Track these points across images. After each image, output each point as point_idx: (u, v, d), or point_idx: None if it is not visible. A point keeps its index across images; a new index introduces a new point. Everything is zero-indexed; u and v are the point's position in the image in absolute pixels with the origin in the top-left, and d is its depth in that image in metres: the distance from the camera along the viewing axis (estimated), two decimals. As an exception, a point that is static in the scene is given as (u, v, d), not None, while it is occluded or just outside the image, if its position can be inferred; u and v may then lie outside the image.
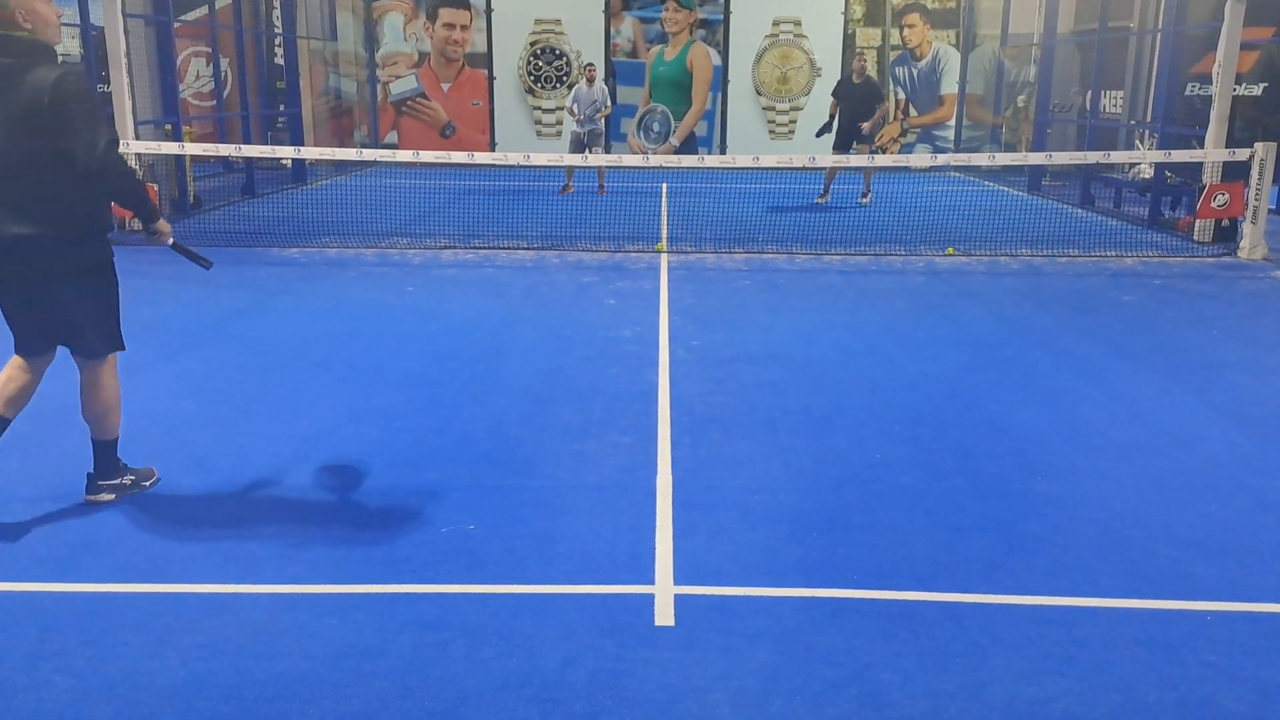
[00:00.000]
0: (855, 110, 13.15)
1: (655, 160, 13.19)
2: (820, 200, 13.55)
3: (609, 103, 14.23)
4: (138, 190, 3.91)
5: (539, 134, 19.00)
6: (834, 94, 13.65)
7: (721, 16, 18.59)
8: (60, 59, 3.87)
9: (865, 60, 13.68)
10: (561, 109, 18.76)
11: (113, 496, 4.21)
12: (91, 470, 4.21)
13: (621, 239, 10.66)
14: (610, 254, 10.09)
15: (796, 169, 16.00)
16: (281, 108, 16.24)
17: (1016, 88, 18.42)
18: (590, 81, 14.03)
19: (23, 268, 3.82)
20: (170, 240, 4.21)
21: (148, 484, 4.33)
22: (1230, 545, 3.92)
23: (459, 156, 11.07)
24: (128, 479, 4.28)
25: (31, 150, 3.70)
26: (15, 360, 4.06)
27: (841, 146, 13.30)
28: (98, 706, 2.87)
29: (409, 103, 19.02)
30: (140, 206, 3.98)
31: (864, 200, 13.63)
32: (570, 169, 14.52)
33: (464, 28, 18.68)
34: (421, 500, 4.25)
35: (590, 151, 13.95)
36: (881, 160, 13.44)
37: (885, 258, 10.07)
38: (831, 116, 13.51)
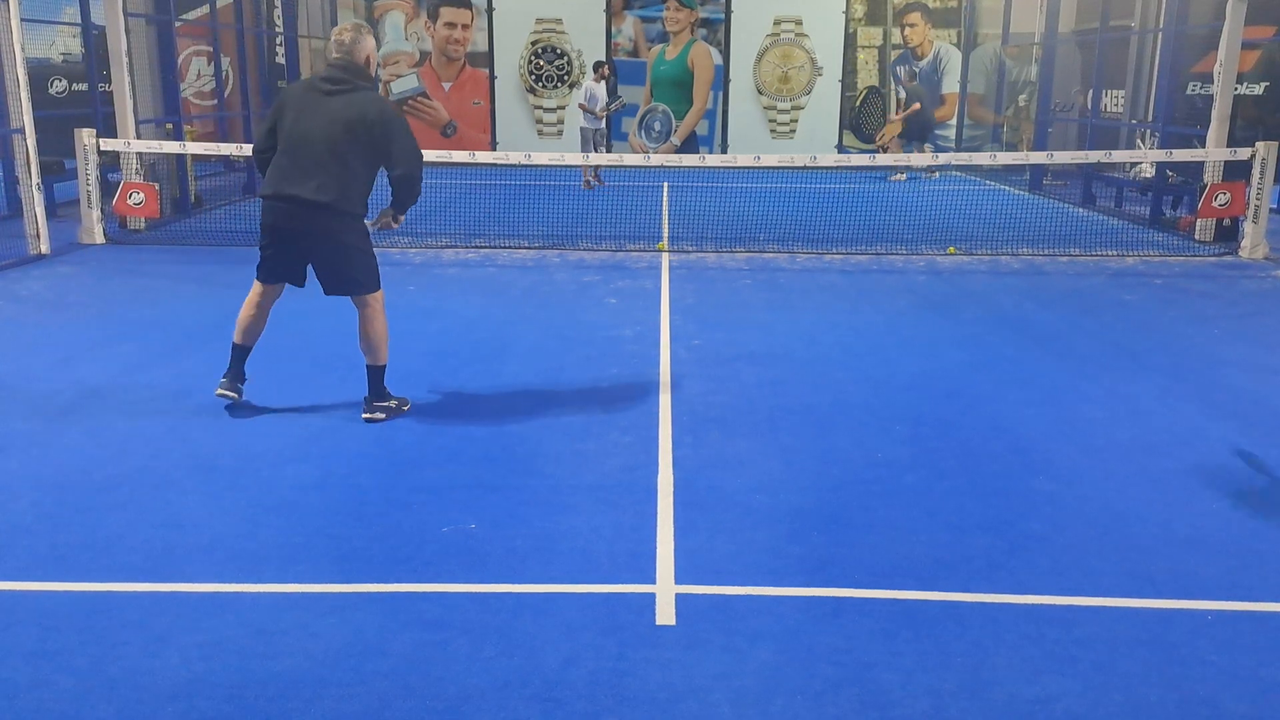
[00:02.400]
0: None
1: (656, 159, 13.18)
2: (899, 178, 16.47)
3: (622, 98, 15.71)
4: (419, 191, 5.11)
5: (540, 133, 18.99)
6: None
7: (723, 16, 18.57)
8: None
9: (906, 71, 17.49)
10: (563, 108, 18.79)
11: (384, 416, 5.19)
12: (366, 394, 5.21)
13: (623, 238, 10.66)
14: (611, 253, 10.09)
15: (798, 168, 16.02)
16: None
17: (1018, 87, 18.40)
18: (603, 79, 14.85)
19: (313, 225, 4.94)
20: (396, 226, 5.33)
21: (406, 408, 5.31)
22: (1231, 544, 3.92)
23: (460, 156, 11.06)
24: (393, 402, 5.26)
25: (343, 148, 4.87)
26: (255, 288, 5.23)
27: (906, 137, 16.70)
28: (99, 706, 2.87)
29: (410, 102, 19.00)
30: (412, 201, 5.14)
31: (933, 175, 16.74)
32: (596, 167, 15.08)
33: (465, 27, 18.67)
34: (422, 500, 4.25)
35: (597, 147, 14.88)
36: (883, 159, 13.51)
37: (886, 257, 10.07)
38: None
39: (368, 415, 5.18)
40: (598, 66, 15.13)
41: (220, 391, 5.23)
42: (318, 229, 4.96)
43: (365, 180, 5.02)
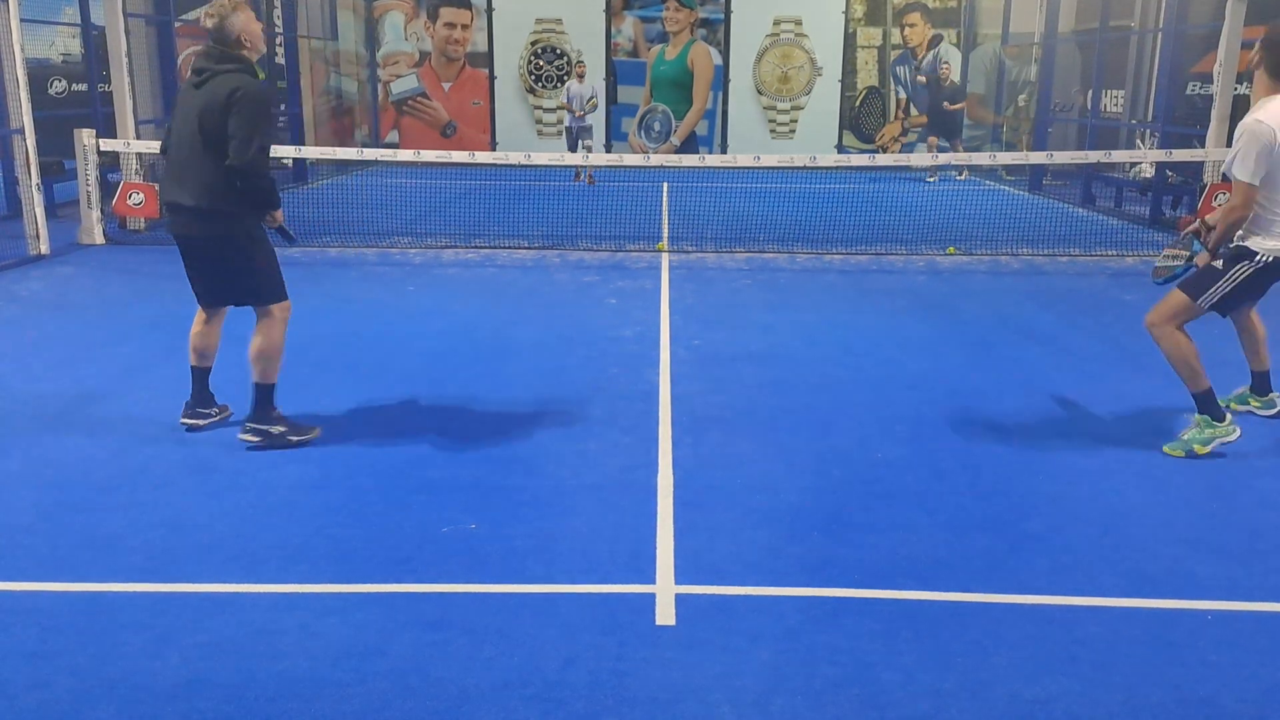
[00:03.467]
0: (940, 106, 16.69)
1: (656, 160, 13.18)
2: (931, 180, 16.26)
3: (595, 97, 16.01)
4: (265, 191, 4.59)
5: (540, 133, 19.00)
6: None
7: (722, 16, 18.58)
8: (257, 73, 4.65)
9: (950, 67, 17.16)
10: (563, 108, 18.80)
11: (257, 439, 4.72)
12: (249, 412, 4.75)
13: (622, 238, 10.66)
14: (611, 253, 10.09)
15: (798, 168, 16.02)
16: (282, 107, 16.24)
17: (1018, 87, 18.41)
18: (581, 78, 15.66)
19: (186, 230, 4.61)
20: (279, 224, 4.84)
21: (296, 439, 4.76)
22: (1231, 545, 3.92)
23: (460, 156, 11.07)
24: (277, 429, 4.75)
25: (202, 141, 4.46)
26: (197, 312, 4.89)
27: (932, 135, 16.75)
28: (99, 706, 2.87)
29: (410, 102, 19.01)
30: (265, 205, 4.64)
31: (961, 176, 16.63)
32: (587, 165, 15.69)
33: (465, 27, 18.68)
34: (422, 500, 4.25)
35: (581, 143, 15.63)
36: (882, 160, 13.54)
37: (886, 257, 10.07)
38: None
39: (243, 436, 4.75)
40: (576, 65, 16.36)
41: (183, 419, 4.96)
42: (199, 235, 4.59)
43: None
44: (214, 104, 4.43)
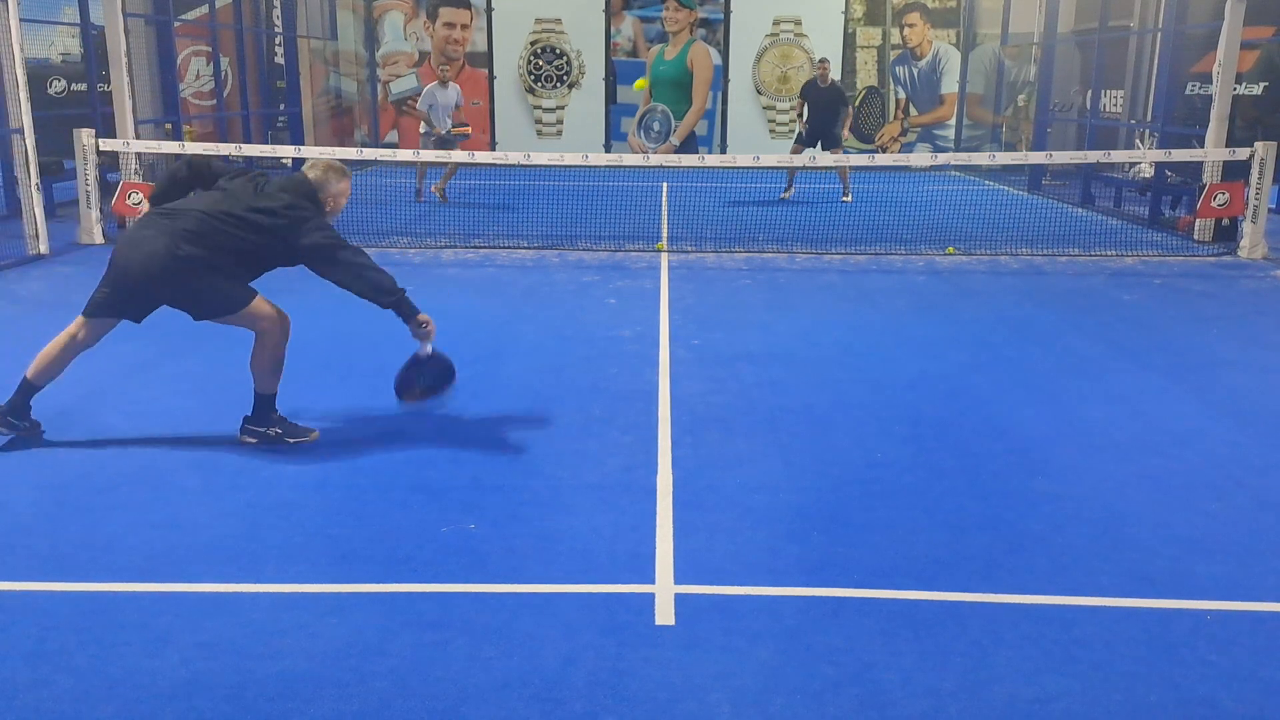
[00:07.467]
0: (822, 113, 13.57)
1: (656, 160, 13.17)
2: (785, 195, 14.00)
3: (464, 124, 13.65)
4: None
5: (539, 133, 18.99)
6: (801, 94, 14.00)
7: (722, 16, 18.57)
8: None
9: (827, 67, 13.86)
10: (562, 108, 18.81)
11: (254, 440, 4.85)
12: (248, 414, 4.88)
13: (622, 238, 10.66)
14: (610, 253, 10.09)
15: (798, 168, 16.01)
16: (282, 107, 16.25)
17: (1017, 87, 18.41)
18: (445, 83, 13.27)
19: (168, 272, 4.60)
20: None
21: (293, 440, 4.86)
22: (1230, 544, 3.92)
23: (460, 156, 11.07)
24: (274, 430, 4.88)
25: (242, 233, 4.64)
26: (81, 321, 4.86)
27: (809, 144, 13.71)
28: (98, 706, 2.87)
29: (409, 102, 19.01)
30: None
31: (846, 199, 13.88)
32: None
33: (464, 27, 18.67)
34: (422, 499, 4.25)
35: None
36: (882, 160, 13.53)
37: (886, 257, 10.07)
38: (800, 116, 13.99)
39: (241, 437, 4.93)
40: (441, 70, 13.81)
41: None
42: (185, 277, 4.78)
43: None
44: (283, 229, 4.68)
